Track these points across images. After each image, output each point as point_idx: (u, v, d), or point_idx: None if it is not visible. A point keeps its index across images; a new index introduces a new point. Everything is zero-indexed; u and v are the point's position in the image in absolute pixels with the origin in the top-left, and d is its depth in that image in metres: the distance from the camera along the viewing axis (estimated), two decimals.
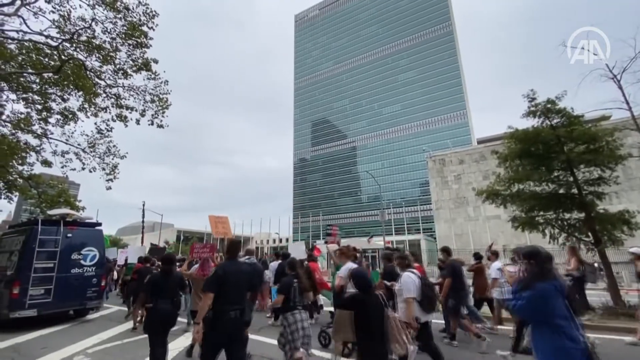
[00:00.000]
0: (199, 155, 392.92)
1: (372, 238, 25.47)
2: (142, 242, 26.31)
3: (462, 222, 33.41)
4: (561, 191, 9.41)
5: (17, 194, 15.72)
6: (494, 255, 6.88)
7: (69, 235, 8.43)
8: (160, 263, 6.43)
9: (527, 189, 9.74)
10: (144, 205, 29.34)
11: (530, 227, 9.49)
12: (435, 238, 40.55)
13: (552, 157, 9.31)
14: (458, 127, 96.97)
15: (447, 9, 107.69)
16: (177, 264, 7.10)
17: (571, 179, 9.12)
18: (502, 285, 6.15)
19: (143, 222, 28.75)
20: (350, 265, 4.83)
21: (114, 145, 13.26)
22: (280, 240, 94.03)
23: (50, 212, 9.58)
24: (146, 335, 4.29)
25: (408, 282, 4.19)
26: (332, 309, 6.40)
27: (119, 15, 10.56)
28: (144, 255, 10.19)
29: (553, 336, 2.37)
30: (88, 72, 11.34)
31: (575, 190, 9.19)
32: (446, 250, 6.79)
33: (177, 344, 6.10)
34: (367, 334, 2.90)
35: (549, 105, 9.30)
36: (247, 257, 6.94)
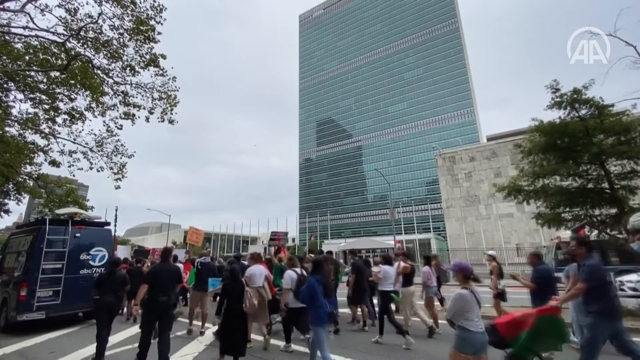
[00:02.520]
0: (204, 155, 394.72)
1: (314, 234, 30.97)
2: (115, 247, 28.12)
3: (473, 220, 32.78)
4: (590, 186, 8.90)
5: (26, 195, 15.66)
6: (397, 256, 8.04)
7: (78, 235, 8.19)
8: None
9: (553, 184, 9.25)
10: (116, 210, 31.98)
11: (556, 223, 9.01)
12: (445, 237, 39.89)
13: (579, 150, 8.82)
14: (465, 125, 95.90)
15: (453, 5, 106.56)
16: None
17: (602, 172, 8.60)
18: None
19: (115, 226, 30.21)
20: (258, 266, 6.37)
21: (122, 145, 13.07)
22: (287, 241, 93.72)
23: (58, 211, 9.38)
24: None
25: (287, 277, 5.80)
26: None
27: (127, 11, 10.34)
28: (130, 255, 11.59)
29: (315, 308, 4.28)
30: (95, 70, 11.13)
31: (605, 185, 8.68)
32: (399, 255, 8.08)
33: (191, 349, 5.80)
34: (230, 301, 5.15)
35: (575, 96, 8.79)
36: (203, 257, 8.45)
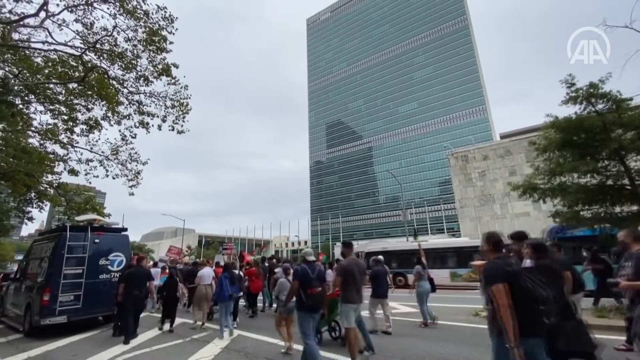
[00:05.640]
0: (215, 159, 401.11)
1: (254, 251, 36.72)
2: None
3: (488, 220, 32.11)
4: (609, 182, 8.61)
5: (47, 203, 16.22)
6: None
7: (97, 240, 8.41)
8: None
9: (570, 182, 8.99)
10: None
11: (575, 222, 8.74)
12: (460, 238, 39.16)
13: (597, 146, 8.55)
14: (478, 123, 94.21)
15: (462, 2, 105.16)
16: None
17: (622, 168, 8.32)
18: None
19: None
20: (207, 269, 8.53)
21: (136, 152, 13.43)
22: (299, 243, 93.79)
23: (77, 218, 9.67)
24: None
25: (204, 273, 8.19)
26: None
27: (140, 23, 10.64)
28: None
29: (222, 292, 6.94)
30: (111, 81, 11.49)
31: (625, 181, 8.38)
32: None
33: (207, 352, 5.88)
34: (168, 294, 7.99)
35: (591, 90, 8.53)
36: (178, 265, 10.94)
